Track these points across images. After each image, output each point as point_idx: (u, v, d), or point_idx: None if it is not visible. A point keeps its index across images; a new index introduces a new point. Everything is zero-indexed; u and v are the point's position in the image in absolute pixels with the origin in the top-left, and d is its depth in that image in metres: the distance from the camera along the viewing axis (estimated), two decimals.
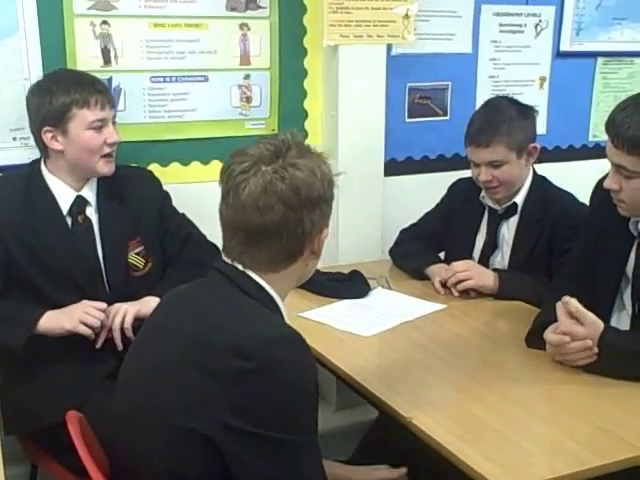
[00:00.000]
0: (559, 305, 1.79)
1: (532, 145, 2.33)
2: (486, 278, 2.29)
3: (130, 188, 2.19)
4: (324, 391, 2.69)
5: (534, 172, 2.41)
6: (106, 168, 2.12)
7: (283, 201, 1.29)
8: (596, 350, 1.72)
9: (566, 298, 1.79)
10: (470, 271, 2.29)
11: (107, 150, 2.10)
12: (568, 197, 2.38)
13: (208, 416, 1.22)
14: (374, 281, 2.38)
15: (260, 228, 1.30)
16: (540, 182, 2.40)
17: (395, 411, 1.60)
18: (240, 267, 1.35)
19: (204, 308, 1.35)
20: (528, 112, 2.35)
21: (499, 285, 2.27)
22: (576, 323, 1.75)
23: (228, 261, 1.37)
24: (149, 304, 1.98)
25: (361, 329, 2.04)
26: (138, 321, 1.98)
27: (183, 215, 2.31)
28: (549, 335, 1.79)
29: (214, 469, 1.25)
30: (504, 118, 2.28)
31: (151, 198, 2.23)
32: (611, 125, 1.77)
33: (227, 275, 1.35)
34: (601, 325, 1.74)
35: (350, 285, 2.33)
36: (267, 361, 1.21)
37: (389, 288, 2.38)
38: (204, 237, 2.28)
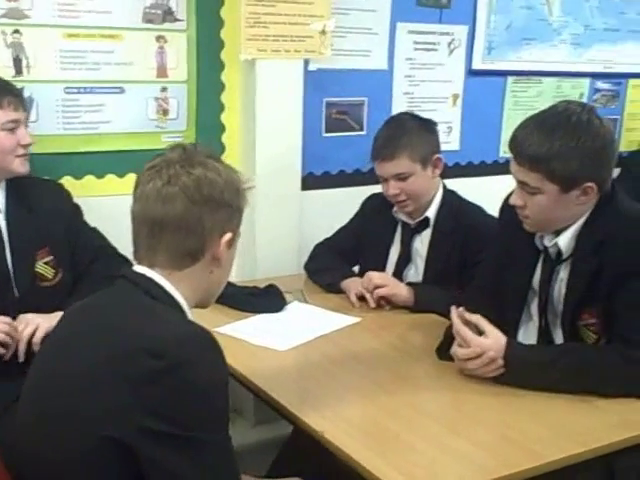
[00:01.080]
0: (457, 322, 1.84)
1: (436, 156, 2.40)
2: (401, 289, 2.34)
3: (38, 199, 2.16)
4: (242, 406, 2.68)
5: (444, 187, 2.48)
6: (22, 167, 2.11)
7: (185, 193, 1.33)
8: (501, 362, 1.77)
9: (469, 315, 1.83)
10: (384, 280, 2.34)
11: (21, 151, 2.09)
12: (478, 210, 2.46)
13: (122, 421, 1.21)
14: (290, 295, 2.39)
15: (161, 219, 1.33)
16: (450, 196, 2.47)
17: (308, 425, 1.61)
18: (145, 268, 1.36)
19: (111, 314, 1.35)
20: (429, 125, 2.44)
21: (415, 298, 2.31)
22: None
23: (134, 268, 1.38)
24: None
25: (277, 343, 2.05)
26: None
27: (94, 229, 2.28)
28: (457, 350, 1.83)
29: (130, 478, 1.24)
30: (405, 131, 2.36)
31: (60, 211, 2.20)
32: (513, 143, 1.84)
33: (132, 280, 1.36)
34: (503, 338, 1.79)
35: (266, 299, 2.33)
36: (178, 360, 1.22)
37: (305, 302, 2.39)
38: (115, 250, 2.25)
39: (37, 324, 1.97)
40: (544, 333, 1.96)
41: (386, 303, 2.34)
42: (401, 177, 2.35)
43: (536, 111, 1.89)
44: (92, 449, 1.23)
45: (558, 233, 1.89)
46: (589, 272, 1.82)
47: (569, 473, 1.55)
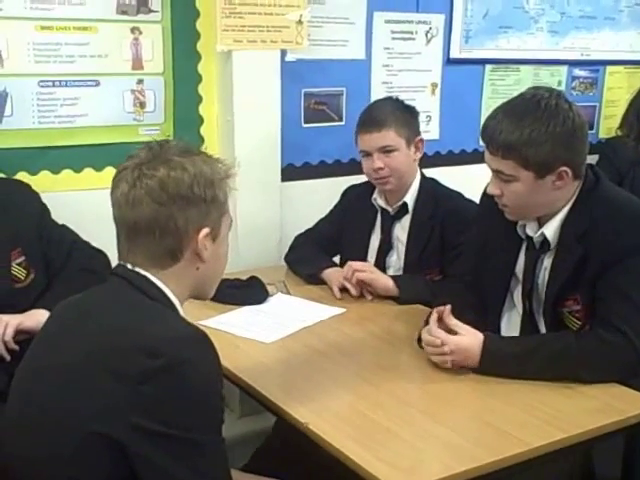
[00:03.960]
0: (433, 326, 1.84)
1: (419, 138, 2.44)
2: (382, 276, 2.34)
3: (8, 199, 2.12)
4: (228, 398, 2.67)
5: (422, 174, 2.50)
6: None
7: (151, 196, 1.32)
8: (450, 357, 1.78)
9: (448, 319, 1.84)
10: (364, 267, 2.35)
11: None
12: (456, 195, 2.48)
13: (116, 418, 1.21)
14: (273, 287, 2.38)
15: (134, 222, 1.34)
16: (429, 182, 2.50)
17: (292, 417, 1.61)
18: (129, 266, 1.36)
19: (105, 311, 1.34)
20: (412, 109, 2.49)
21: (399, 289, 2.31)
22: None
23: (127, 266, 1.37)
24: (34, 317, 1.94)
25: (261, 336, 2.04)
26: (22, 334, 1.92)
27: (64, 226, 2.25)
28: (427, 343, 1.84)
29: (120, 475, 1.23)
30: (393, 108, 2.42)
31: (30, 210, 2.16)
32: (485, 132, 1.85)
33: (126, 278, 1.36)
34: (480, 335, 1.79)
35: (249, 291, 2.32)
36: (175, 360, 1.22)
37: (288, 293, 2.38)
38: (88, 244, 2.23)
39: (5, 322, 1.95)
40: (528, 320, 1.96)
41: (368, 292, 2.33)
42: (387, 150, 2.37)
43: None
44: (82, 445, 1.22)
45: (542, 222, 1.89)
46: (574, 260, 1.82)
47: (549, 458, 1.55)
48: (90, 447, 1.22)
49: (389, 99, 2.54)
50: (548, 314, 1.90)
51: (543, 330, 1.93)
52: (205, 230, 1.37)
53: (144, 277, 1.36)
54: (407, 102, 2.54)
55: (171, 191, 1.32)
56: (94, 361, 1.26)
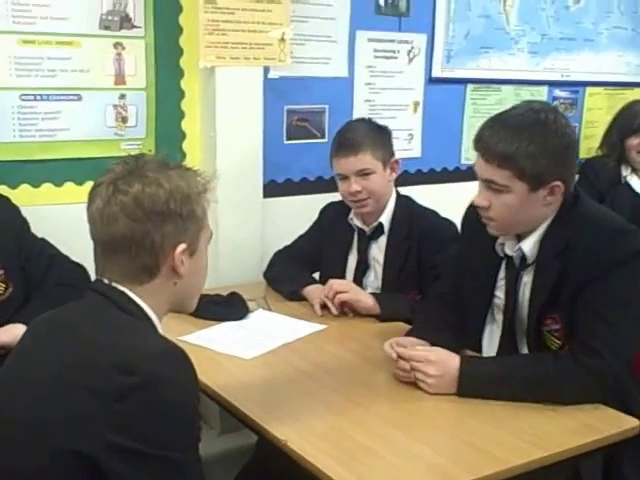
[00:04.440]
0: (403, 351, 1.84)
1: (394, 159, 2.43)
2: (364, 296, 2.33)
3: None
4: (207, 415, 2.66)
5: (397, 193, 2.49)
6: None
7: (125, 213, 1.30)
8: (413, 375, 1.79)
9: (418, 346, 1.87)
10: (345, 287, 2.33)
11: None
12: (432, 214, 2.48)
13: (90, 435, 1.19)
14: (253, 303, 2.37)
15: (109, 240, 1.32)
16: (404, 201, 2.49)
17: (271, 435, 1.60)
18: (107, 281, 1.35)
19: (82, 327, 1.32)
20: (386, 130, 2.47)
21: (380, 307, 2.30)
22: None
23: (105, 281, 1.36)
24: (11, 332, 1.91)
25: (241, 352, 2.03)
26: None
27: (44, 239, 2.23)
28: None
29: None
30: (367, 131, 2.40)
31: (10, 225, 2.14)
32: (480, 142, 1.82)
33: (103, 293, 1.35)
34: (456, 357, 1.79)
35: (229, 307, 2.31)
36: (151, 377, 1.20)
37: (269, 309, 2.38)
38: (68, 258, 2.21)
39: None
40: (507, 339, 1.95)
41: (349, 310, 2.33)
42: (364, 173, 2.36)
43: None
44: (55, 460, 1.21)
45: (521, 238, 1.89)
46: (552, 277, 1.82)
47: (537, 475, 1.55)
48: (63, 463, 1.21)
49: (362, 120, 2.53)
50: (529, 333, 1.89)
51: (523, 349, 1.93)
52: (182, 246, 1.35)
53: (121, 292, 1.34)
54: (388, 121, 2.55)
55: (146, 207, 1.31)
56: (68, 377, 1.24)
